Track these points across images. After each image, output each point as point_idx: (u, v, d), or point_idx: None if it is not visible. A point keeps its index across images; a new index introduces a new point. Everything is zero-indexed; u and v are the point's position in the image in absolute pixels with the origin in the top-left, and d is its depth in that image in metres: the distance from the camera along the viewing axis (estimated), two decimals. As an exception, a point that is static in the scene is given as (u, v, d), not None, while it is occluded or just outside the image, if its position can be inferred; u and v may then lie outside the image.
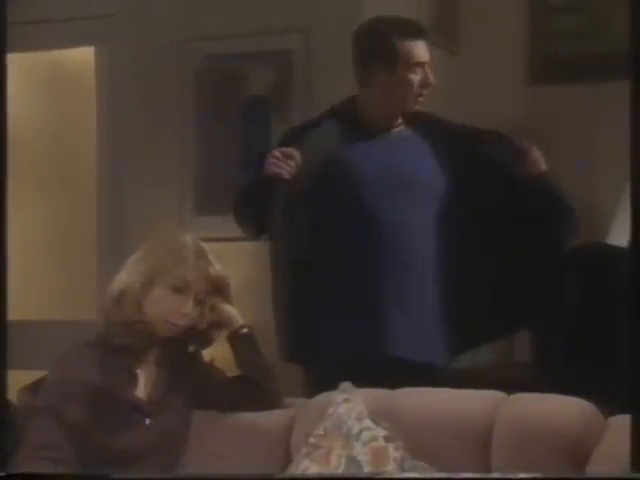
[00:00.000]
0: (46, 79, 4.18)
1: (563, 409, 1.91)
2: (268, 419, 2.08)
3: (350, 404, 1.95)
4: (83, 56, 3.85)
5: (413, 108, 2.52)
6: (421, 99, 2.51)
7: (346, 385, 2.00)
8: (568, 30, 4.17)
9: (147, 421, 2.00)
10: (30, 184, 4.03)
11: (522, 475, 1.72)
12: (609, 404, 1.99)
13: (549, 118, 4.10)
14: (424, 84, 2.48)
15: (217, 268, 2.09)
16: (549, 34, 4.19)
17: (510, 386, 2.08)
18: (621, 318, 2.58)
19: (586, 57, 4.11)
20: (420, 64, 2.47)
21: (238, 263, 3.12)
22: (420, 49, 2.48)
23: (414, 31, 2.48)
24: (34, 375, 2.07)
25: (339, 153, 2.46)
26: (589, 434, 1.87)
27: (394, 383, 2.08)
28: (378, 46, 2.47)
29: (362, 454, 1.86)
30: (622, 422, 1.90)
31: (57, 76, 4.16)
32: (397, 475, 1.81)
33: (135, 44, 3.65)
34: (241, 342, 2.12)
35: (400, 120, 2.55)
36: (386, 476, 1.81)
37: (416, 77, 2.47)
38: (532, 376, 2.86)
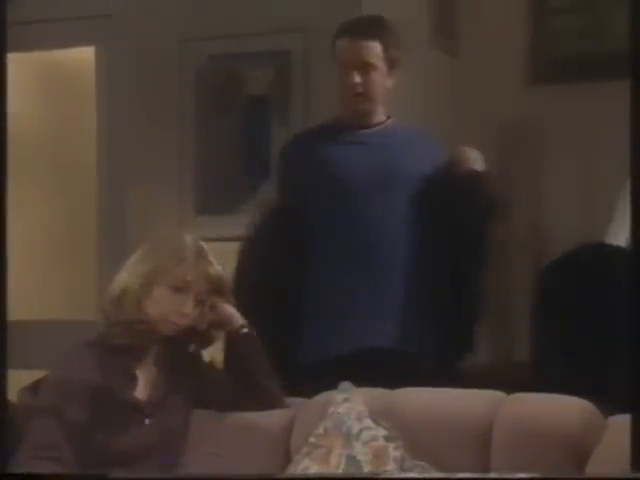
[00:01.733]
0: (46, 79, 4.18)
1: (563, 409, 1.91)
2: (268, 419, 2.08)
3: (350, 404, 1.95)
4: (83, 56, 3.85)
5: (351, 110, 2.49)
6: (360, 99, 2.47)
7: (346, 385, 2.01)
8: (568, 30, 4.17)
9: (147, 421, 2.00)
10: (30, 184, 4.04)
11: (521, 475, 1.73)
12: (608, 404, 1.99)
13: (549, 118, 4.10)
14: (353, 85, 2.44)
15: (217, 268, 2.09)
16: (549, 34, 4.19)
17: (509, 386, 2.09)
18: (619, 318, 2.59)
19: (586, 57, 4.11)
20: (351, 65, 2.42)
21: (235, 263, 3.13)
22: (352, 49, 2.42)
23: (356, 31, 2.44)
24: (33, 375, 2.07)
25: (320, 156, 2.49)
26: (589, 433, 1.87)
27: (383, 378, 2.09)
28: (332, 46, 2.49)
29: (362, 454, 1.86)
30: (621, 422, 1.90)
31: (57, 76, 4.16)
32: (397, 475, 1.81)
33: (135, 44, 3.65)
34: (241, 342, 2.12)
35: (380, 120, 2.53)
36: (386, 476, 1.81)
37: (349, 79, 2.43)
38: (531, 376, 2.87)
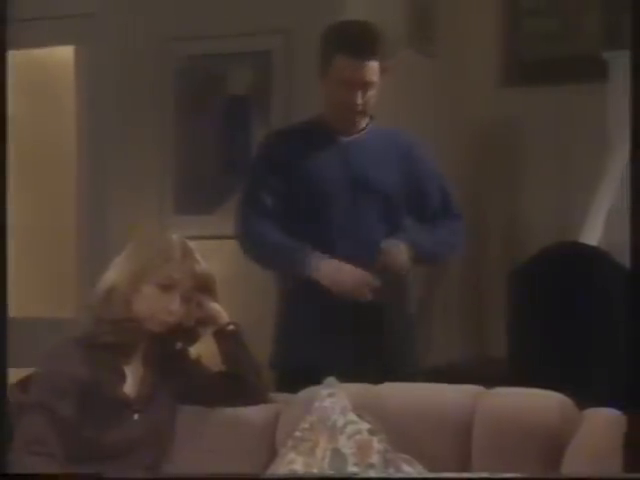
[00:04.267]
0: (26, 78, 4.18)
1: (541, 402, 1.97)
2: (254, 414, 2.11)
3: (334, 398, 2.00)
4: (63, 55, 3.85)
5: (348, 124, 2.51)
6: (360, 116, 2.49)
7: (331, 380, 2.05)
8: (539, 33, 4.25)
9: (135, 416, 2.03)
10: (9, 184, 4.03)
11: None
12: (584, 397, 2.05)
13: (521, 119, 4.18)
14: (350, 102, 2.45)
15: (203, 266, 2.13)
16: (522, 37, 4.26)
17: (485, 382, 2.14)
18: (594, 315, 2.66)
19: (557, 59, 4.19)
20: (349, 82, 2.43)
21: (217, 261, 3.16)
22: (357, 69, 2.41)
23: (358, 50, 2.42)
24: (14, 373, 2.08)
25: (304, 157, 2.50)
26: (565, 426, 1.92)
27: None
28: (320, 54, 2.47)
29: (347, 447, 1.91)
30: (597, 414, 1.97)
31: (37, 75, 4.16)
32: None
33: (116, 44, 3.67)
34: (227, 339, 2.16)
35: (362, 127, 2.55)
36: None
37: (345, 94, 2.43)
38: (507, 372, 2.93)
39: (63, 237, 3.91)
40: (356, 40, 2.45)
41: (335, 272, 2.38)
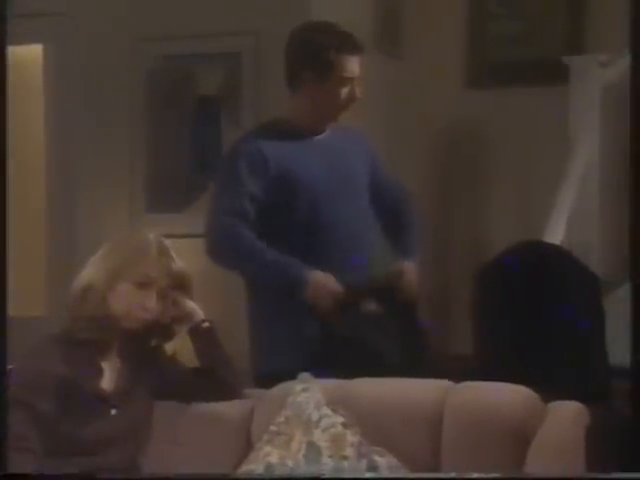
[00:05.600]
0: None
1: (507, 396, 2.04)
2: (229, 409, 2.15)
3: (309, 393, 2.04)
4: (31, 53, 3.85)
5: (336, 120, 2.60)
6: (337, 113, 2.58)
7: (304, 375, 2.10)
8: (505, 35, 4.33)
9: (113, 411, 2.06)
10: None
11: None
12: (549, 392, 2.12)
13: (486, 120, 4.25)
14: (351, 98, 2.56)
15: (179, 264, 2.16)
16: (487, 40, 4.34)
17: (453, 378, 2.20)
18: (558, 311, 2.73)
19: (522, 61, 4.27)
20: (350, 79, 2.54)
21: (186, 260, 3.20)
22: (354, 64, 2.53)
23: (351, 46, 2.53)
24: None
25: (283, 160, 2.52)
26: (531, 418, 1.99)
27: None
28: (313, 55, 2.51)
29: (322, 440, 1.96)
30: (561, 407, 2.04)
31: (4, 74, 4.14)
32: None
33: (85, 43, 3.68)
34: (202, 336, 2.20)
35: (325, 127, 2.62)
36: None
37: (345, 90, 2.53)
38: (473, 368, 2.99)
39: (33, 236, 3.90)
40: (348, 36, 2.56)
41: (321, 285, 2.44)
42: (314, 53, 2.51)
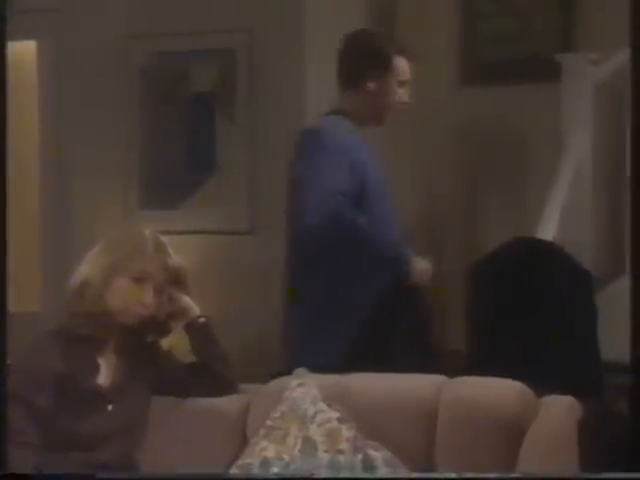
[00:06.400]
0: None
1: (501, 390, 2.05)
2: (225, 404, 2.17)
3: (304, 388, 2.06)
4: (25, 50, 3.85)
5: (383, 120, 2.83)
6: (386, 112, 2.81)
7: (300, 371, 2.11)
8: (497, 34, 4.35)
9: (110, 407, 2.07)
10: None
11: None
12: (541, 386, 2.14)
13: (480, 119, 4.27)
14: (403, 101, 2.79)
15: (175, 260, 2.17)
16: (479, 38, 4.36)
17: (447, 373, 2.21)
18: (551, 307, 2.75)
19: (514, 60, 4.29)
20: (404, 82, 2.78)
21: (181, 256, 3.21)
22: (408, 70, 2.79)
23: (407, 52, 2.79)
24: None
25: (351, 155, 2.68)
26: (524, 413, 2.01)
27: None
28: (375, 55, 2.74)
29: (317, 435, 1.98)
30: (554, 401, 2.06)
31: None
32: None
33: (79, 40, 3.68)
34: (198, 331, 2.21)
35: None
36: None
37: (400, 92, 2.77)
38: (466, 365, 3.01)
39: (28, 232, 3.91)
40: (406, 46, 2.82)
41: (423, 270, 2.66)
42: (376, 53, 2.74)
